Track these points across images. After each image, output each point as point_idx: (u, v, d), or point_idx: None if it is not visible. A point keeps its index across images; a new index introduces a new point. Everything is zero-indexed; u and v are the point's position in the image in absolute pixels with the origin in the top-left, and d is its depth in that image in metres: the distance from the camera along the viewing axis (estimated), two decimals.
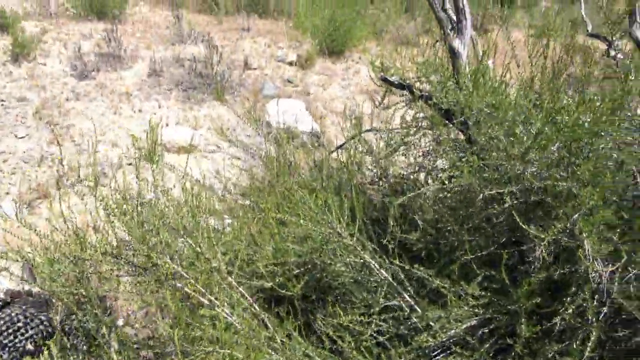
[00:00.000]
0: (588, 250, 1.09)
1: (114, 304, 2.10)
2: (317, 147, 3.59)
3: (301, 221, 1.62)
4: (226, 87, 4.61)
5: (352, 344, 1.48)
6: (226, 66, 4.94)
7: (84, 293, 1.41)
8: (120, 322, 2.21)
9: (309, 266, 1.78)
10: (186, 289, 1.43)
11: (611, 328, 1.37)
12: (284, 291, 1.66)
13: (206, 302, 1.53)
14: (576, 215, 1.12)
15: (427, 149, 1.84)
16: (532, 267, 1.28)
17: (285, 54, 5.39)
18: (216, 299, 1.53)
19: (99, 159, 3.57)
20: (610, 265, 1.14)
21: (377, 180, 2.29)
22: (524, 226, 1.16)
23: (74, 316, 1.68)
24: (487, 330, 1.42)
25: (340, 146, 2.51)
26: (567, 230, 1.17)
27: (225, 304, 1.54)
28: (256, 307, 1.50)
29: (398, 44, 5.47)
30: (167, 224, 1.45)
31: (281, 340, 1.55)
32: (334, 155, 2.58)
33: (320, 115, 4.42)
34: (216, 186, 2.80)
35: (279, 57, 5.35)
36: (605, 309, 1.27)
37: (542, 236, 1.13)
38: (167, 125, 4.08)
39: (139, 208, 1.48)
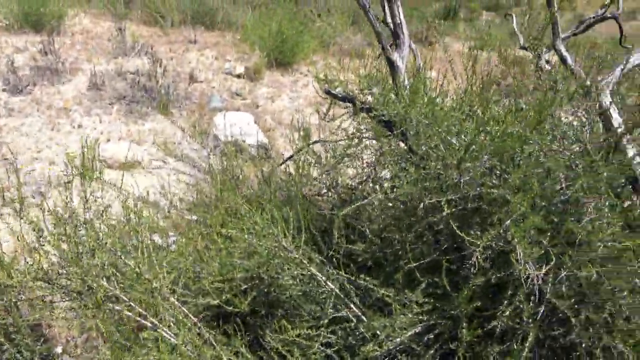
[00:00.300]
0: (520, 254, 1.13)
1: (48, 331, 1.98)
2: (266, 159, 3.57)
3: (246, 236, 1.60)
4: (172, 100, 4.50)
5: (301, 358, 1.47)
6: (171, 79, 4.83)
7: (12, 322, 1.32)
8: (58, 350, 2.09)
9: (257, 281, 1.76)
10: (126, 311, 1.37)
11: (548, 327, 1.43)
12: (231, 308, 1.62)
13: (149, 324, 1.47)
14: (508, 221, 1.17)
15: (371, 159, 1.86)
16: (472, 272, 1.32)
17: (232, 66, 5.34)
18: (159, 320, 1.47)
19: (35, 177, 3.38)
20: (542, 267, 1.19)
21: (326, 191, 2.30)
22: (460, 233, 1.20)
23: (5, 347, 1.57)
24: (431, 336, 1.44)
25: (289, 158, 2.51)
26: (501, 236, 1.22)
27: (171, 324, 1.48)
28: (201, 327, 1.46)
29: (344, 56, 5.55)
30: (104, 244, 1.39)
31: (228, 359, 1.51)
32: (283, 167, 2.58)
33: (269, 127, 4.40)
34: (162, 202, 2.72)
35: (226, 70, 5.29)
36: (541, 309, 1.33)
37: (478, 242, 1.17)
38: (108, 140, 3.93)
39: (74, 228, 1.41)
